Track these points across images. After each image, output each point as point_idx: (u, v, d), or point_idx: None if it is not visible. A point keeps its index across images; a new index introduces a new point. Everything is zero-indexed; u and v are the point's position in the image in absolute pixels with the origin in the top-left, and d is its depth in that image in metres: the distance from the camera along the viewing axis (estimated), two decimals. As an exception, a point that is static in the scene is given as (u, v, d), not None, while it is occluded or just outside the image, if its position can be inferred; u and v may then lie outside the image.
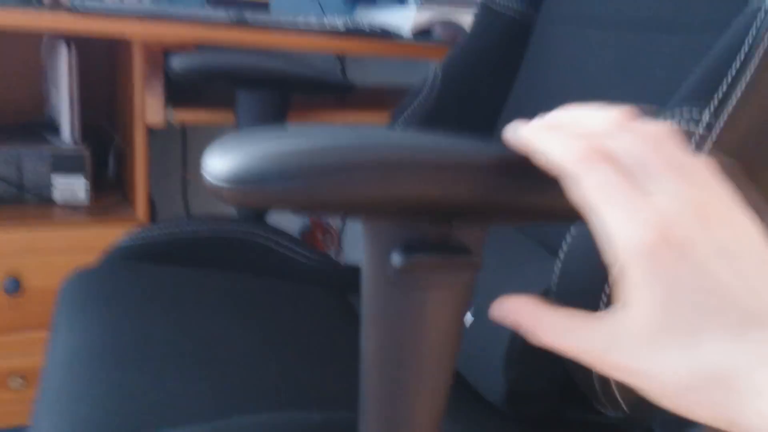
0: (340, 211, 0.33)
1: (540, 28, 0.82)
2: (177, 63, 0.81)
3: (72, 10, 0.96)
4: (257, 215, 0.90)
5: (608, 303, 0.50)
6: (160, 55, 0.99)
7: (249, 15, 1.04)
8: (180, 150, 1.40)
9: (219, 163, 0.28)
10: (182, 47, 0.99)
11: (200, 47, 1.01)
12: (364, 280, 0.35)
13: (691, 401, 0.25)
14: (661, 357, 0.26)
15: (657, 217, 0.26)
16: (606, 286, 0.49)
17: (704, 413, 0.25)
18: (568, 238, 0.53)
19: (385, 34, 1.13)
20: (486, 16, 0.85)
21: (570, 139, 0.28)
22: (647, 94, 0.66)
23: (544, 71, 0.79)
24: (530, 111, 0.79)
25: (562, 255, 0.53)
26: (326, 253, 0.97)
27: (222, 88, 0.92)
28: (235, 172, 0.28)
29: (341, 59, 1.46)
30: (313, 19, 1.11)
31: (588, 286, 0.50)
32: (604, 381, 0.50)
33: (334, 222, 1.68)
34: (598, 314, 0.29)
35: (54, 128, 1.17)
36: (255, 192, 0.28)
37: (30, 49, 1.24)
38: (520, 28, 0.84)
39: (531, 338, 0.31)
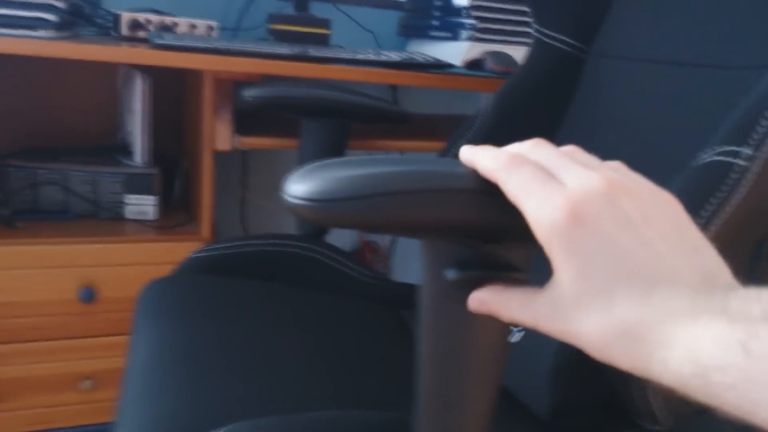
0: (399, 231, 0.38)
1: (592, 62, 0.86)
2: (248, 93, 0.89)
3: (149, 44, 1.06)
4: (315, 234, 0.96)
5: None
6: (230, 86, 1.07)
7: (310, 49, 1.11)
8: (240, 172, 1.49)
9: (299, 186, 0.34)
10: (249, 79, 1.07)
11: (266, 78, 1.09)
12: (420, 293, 0.40)
13: (613, 354, 0.29)
14: (585, 319, 0.30)
15: (566, 199, 0.30)
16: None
17: (624, 364, 0.29)
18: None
19: (439, 67, 1.19)
20: (539, 50, 0.88)
21: (497, 153, 0.34)
22: (692, 129, 0.69)
23: (594, 103, 0.83)
24: (580, 141, 0.83)
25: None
26: (379, 270, 1.03)
27: (285, 116, 0.99)
28: (312, 193, 0.33)
29: (393, 89, 1.53)
30: (370, 53, 1.18)
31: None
32: (645, 396, 0.53)
33: (383, 242, 1.74)
34: (541, 289, 0.33)
35: (126, 151, 1.26)
36: (327, 210, 0.33)
37: (106, 77, 1.35)
38: (572, 61, 0.88)
39: (501, 317, 0.35)
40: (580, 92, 0.86)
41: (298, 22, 1.24)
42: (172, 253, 1.15)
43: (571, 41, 0.88)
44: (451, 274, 0.37)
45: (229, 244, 0.89)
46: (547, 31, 0.88)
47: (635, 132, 0.75)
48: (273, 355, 0.69)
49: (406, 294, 0.97)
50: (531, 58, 0.89)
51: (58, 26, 0.97)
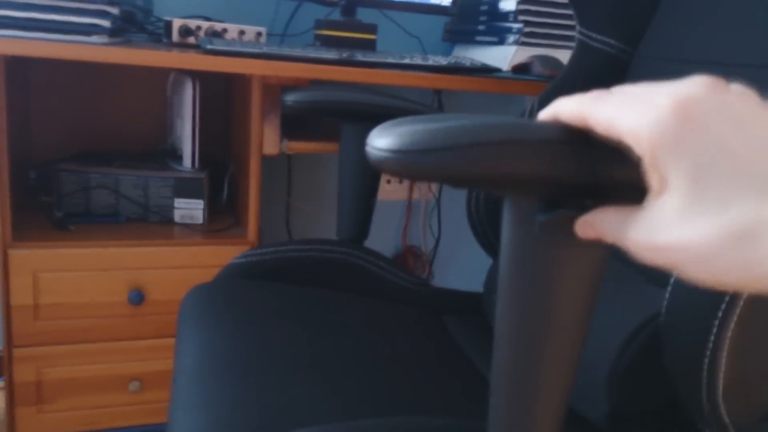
0: (487, 183, 0.36)
1: (638, 64, 0.85)
2: (289, 98, 0.88)
3: (200, 49, 1.07)
4: (356, 239, 0.95)
5: (719, 332, 0.51)
6: (278, 90, 1.08)
7: (357, 54, 1.11)
8: (285, 176, 1.49)
9: (384, 138, 0.34)
10: (297, 83, 1.07)
11: (313, 83, 1.09)
12: (504, 245, 0.38)
13: (725, 262, 0.27)
14: (696, 225, 0.27)
15: (671, 99, 0.28)
16: (718, 313, 0.50)
17: (737, 272, 0.27)
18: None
19: (487, 71, 1.17)
20: (583, 52, 0.87)
21: (579, 96, 0.34)
22: None
23: None
24: None
25: (671, 284, 0.55)
26: (420, 275, 1.02)
27: (328, 121, 0.99)
28: (399, 144, 0.33)
29: (438, 93, 1.52)
30: (417, 57, 1.17)
31: (699, 314, 0.52)
32: (713, 400, 0.51)
33: (425, 248, 1.73)
34: (643, 206, 0.31)
35: (175, 155, 1.28)
36: (414, 161, 0.33)
37: (156, 82, 1.37)
38: (616, 63, 0.87)
39: (607, 239, 0.33)
40: None
41: (345, 27, 1.24)
42: (219, 257, 1.16)
43: (616, 43, 0.86)
44: (541, 216, 0.35)
45: (270, 250, 0.90)
46: (591, 33, 0.87)
47: None
48: (323, 361, 0.68)
49: (448, 300, 0.96)
50: (575, 61, 0.88)
51: (111, 32, 0.98)
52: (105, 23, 0.97)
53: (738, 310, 0.52)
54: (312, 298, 0.84)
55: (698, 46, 0.76)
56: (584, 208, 0.34)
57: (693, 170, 0.27)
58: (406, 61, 1.11)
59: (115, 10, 0.98)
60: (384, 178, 1.59)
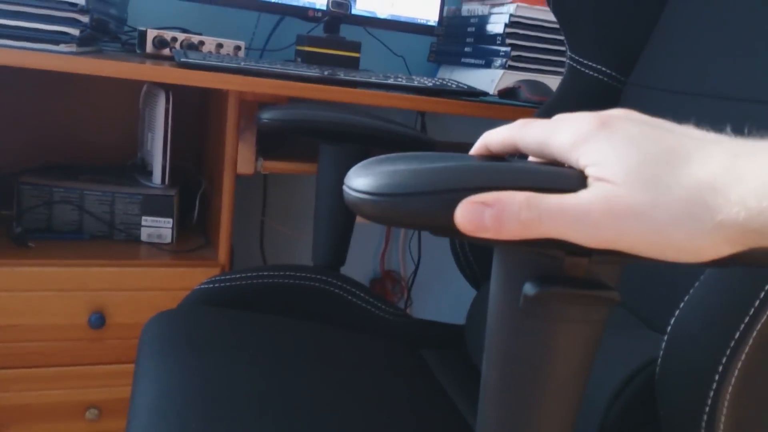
0: (470, 237, 0.33)
1: (631, 92, 0.82)
2: (266, 115, 0.84)
3: (175, 62, 1.02)
4: (332, 265, 0.91)
5: (719, 387, 0.48)
6: (255, 107, 1.03)
7: (339, 72, 1.07)
8: (260, 196, 1.44)
9: (364, 179, 0.31)
10: (275, 101, 1.03)
11: (292, 101, 1.05)
12: (491, 309, 0.36)
13: (690, 227, 0.28)
14: (654, 195, 0.28)
15: (591, 116, 0.31)
16: (719, 367, 0.47)
17: (702, 228, 0.28)
18: (677, 314, 0.51)
19: (472, 94, 1.14)
20: (573, 78, 0.85)
21: (507, 126, 0.36)
22: None
23: None
24: None
25: (668, 332, 0.51)
26: (397, 305, 0.97)
27: (306, 140, 0.95)
28: (377, 186, 0.30)
29: (422, 115, 1.48)
30: (401, 78, 1.13)
31: (698, 365, 0.48)
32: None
33: (404, 273, 1.68)
34: (579, 193, 0.30)
35: (145, 170, 1.23)
36: (397, 205, 0.30)
37: (128, 94, 1.32)
38: (608, 90, 0.84)
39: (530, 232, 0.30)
40: None
41: (327, 44, 1.21)
42: (187, 279, 1.10)
43: (608, 70, 0.84)
44: (529, 289, 0.32)
45: (239, 276, 0.84)
46: (582, 60, 0.84)
47: None
48: (293, 399, 0.63)
49: (427, 332, 0.92)
50: (565, 86, 0.86)
51: (80, 41, 0.93)
52: (74, 32, 0.92)
53: (741, 363, 0.49)
54: (284, 329, 0.79)
55: (692, 78, 0.74)
56: (579, 282, 0.32)
57: (630, 156, 0.29)
58: (390, 81, 1.07)
59: (85, 18, 0.93)
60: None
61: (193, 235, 1.23)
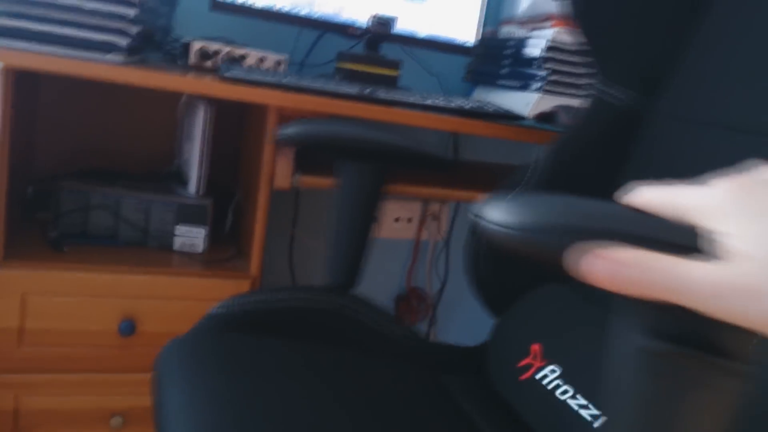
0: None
1: (654, 120, 0.81)
2: (283, 132, 0.81)
3: (218, 75, 1.03)
4: (346, 285, 0.88)
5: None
6: (295, 122, 1.04)
7: (379, 90, 1.07)
8: (292, 209, 1.44)
9: (504, 213, 0.32)
10: (316, 117, 1.03)
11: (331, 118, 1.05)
12: (612, 358, 0.35)
13: None
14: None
15: (736, 181, 0.31)
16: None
17: None
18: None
19: (510, 118, 1.14)
20: (598, 106, 0.84)
21: (664, 188, 0.33)
22: None
23: (656, 166, 0.79)
24: None
25: None
26: (415, 329, 0.95)
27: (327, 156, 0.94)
28: (522, 222, 0.32)
29: (455, 135, 1.48)
30: (439, 98, 1.13)
31: None
32: None
33: (431, 290, 1.68)
34: (709, 263, 0.28)
35: (180, 179, 1.23)
36: (537, 241, 0.31)
37: (167, 102, 1.33)
38: (631, 118, 0.83)
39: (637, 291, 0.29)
40: (642, 151, 0.82)
41: (367, 61, 1.21)
42: (218, 290, 1.10)
43: (635, 94, 0.83)
44: (651, 343, 0.32)
45: (254, 299, 0.82)
46: (609, 84, 0.83)
47: None
48: (316, 428, 0.62)
49: (447, 358, 0.90)
50: (588, 114, 0.85)
51: (128, 51, 0.94)
52: (123, 42, 0.93)
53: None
54: (302, 354, 0.77)
55: (721, 110, 0.73)
56: (707, 347, 0.30)
57: (755, 234, 0.28)
58: (429, 102, 1.07)
59: (135, 29, 0.94)
60: (392, 216, 1.55)
61: (226, 245, 1.23)
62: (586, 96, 0.87)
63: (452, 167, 0.91)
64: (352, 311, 0.85)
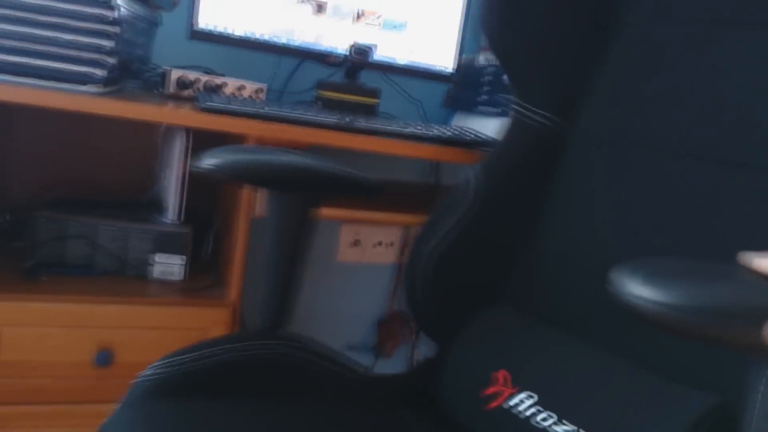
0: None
1: (574, 141, 0.82)
2: (199, 162, 0.76)
3: (196, 104, 1.03)
4: (280, 325, 0.82)
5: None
6: (273, 152, 1.04)
7: (359, 119, 1.08)
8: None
9: (652, 289, 0.33)
10: (295, 146, 1.03)
11: (311, 148, 1.05)
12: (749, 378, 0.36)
13: None
14: None
15: None
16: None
17: None
18: None
19: (488, 144, 1.15)
20: (520, 128, 0.84)
21: None
22: (698, 229, 0.67)
23: (575, 188, 0.81)
24: (569, 222, 0.80)
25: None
26: (360, 364, 0.87)
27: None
28: (677, 303, 0.32)
29: (436, 162, 1.49)
30: (419, 126, 1.14)
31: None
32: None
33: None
34: None
35: (157, 207, 1.23)
36: (697, 323, 0.32)
37: (145, 130, 1.32)
38: (554, 140, 0.84)
39: None
40: (563, 172, 0.83)
41: (347, 90, 1.22)
42: (197, 318, 1.10)
43: (555, 117, 0.83)
44: None
45: (187, 356, 0.74)
46: (528, 107, 0.83)
47: (630, 223, 0.74)
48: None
49: (399, 388, 0.87)
50: (510, 136, 0.85)
51: (105, 82, 0.94)
52: (100, 73, 0.93)
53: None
54: (243, 415, 0.70)
55: (636, 128, 0.75)
56: None
57: None
58: (409, 130, 1.08)
59: (112, 60, 0.94)
60: (373, 240, 1.55)
61: (204, 273, 1.22)
62: (508, 115, 0.86)
63: (379, 192, 0.84)
64: (295, 357, 0.79)
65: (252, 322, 0.82)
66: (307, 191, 0.80)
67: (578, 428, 0.64)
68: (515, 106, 0.84)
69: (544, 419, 0.68)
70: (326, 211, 1.12)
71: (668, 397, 0.61)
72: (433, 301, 0.86)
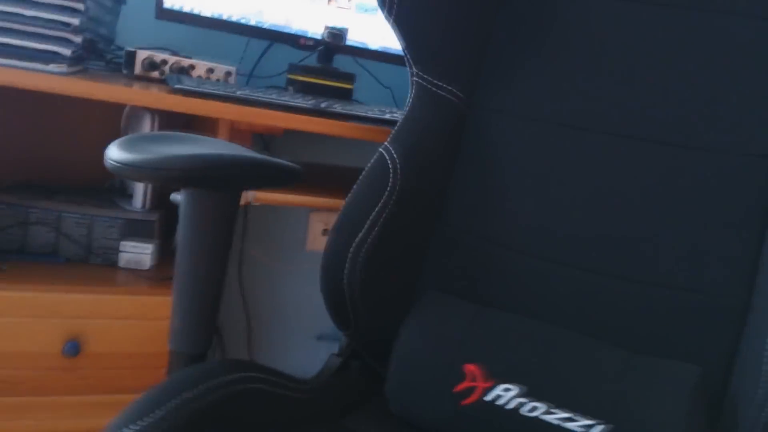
0: None
1: (476, 115, 0.82)
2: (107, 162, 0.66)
3: (166, 87, 1.00)
4: (205, 349, 0.70)
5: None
6: (247, 137, 1.02)
7: (336, 104, 1.06)
8: (241, 222, 1.42)
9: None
10: (269, 131, 1.01)
11: (287, 132, 1.03)
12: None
13: None
14: None
15: None
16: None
17: None
18: None
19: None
20: (426, 97, 0.81)
21: None
22: (601, 197, 0.72)
23: (481, 158, 0.81)
24: (478, 197, 0.80)
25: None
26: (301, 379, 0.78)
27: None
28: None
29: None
30: (396, 112, 1.13)
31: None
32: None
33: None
34: None
35: (124, 193, 1.19)
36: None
37: (110, 112, 1.28)
38: (459, 111, 0.82)
39: None
40: (469, 143, 0.82)
41: (322, 74, 1.20)
42: (166, 308, 1.07)
43: (454, 90, 0.81)
44: None
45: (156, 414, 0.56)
46: (429, 78, 0.81)
47: (549, 197, 0.75)
48: None
49: (345, 395, 0.80)
50: (416, 105, 0.81)
51: (71, 61, 0.90)
52: (66, 51, 0.89)
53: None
54: None
55: (531, 102, 0.77)
56: None
57: None
58: (387, 116, 1.07)
59: (78, 39, 0.90)
60: (319, 227, 1.54)
61: (173, 260, 1.19)
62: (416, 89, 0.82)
63: (303, 176, 0.74)
64: (252, 391, 0.66)
65: (178, 345, 0.68)
66: (232, 185, 0.69)
67: (573, 414, 0.62)
68: (416, 78, 0.80)
69: (532, 409, 0.64)
70: (295, 199, 1.10)
71: (661, 371, 0.62)
72: (368, 303, 0.78)
